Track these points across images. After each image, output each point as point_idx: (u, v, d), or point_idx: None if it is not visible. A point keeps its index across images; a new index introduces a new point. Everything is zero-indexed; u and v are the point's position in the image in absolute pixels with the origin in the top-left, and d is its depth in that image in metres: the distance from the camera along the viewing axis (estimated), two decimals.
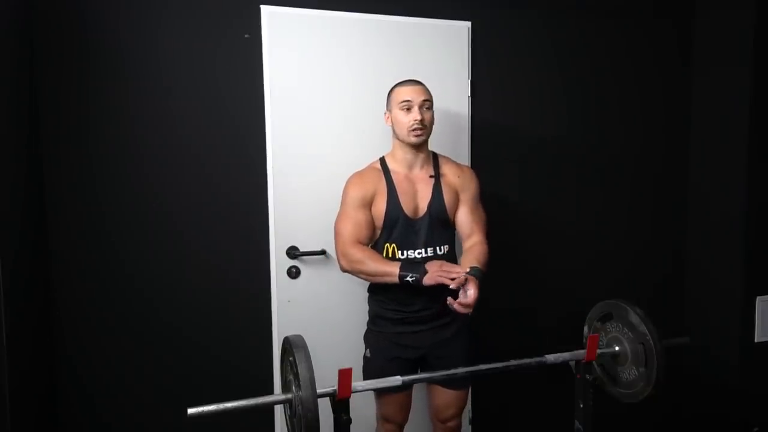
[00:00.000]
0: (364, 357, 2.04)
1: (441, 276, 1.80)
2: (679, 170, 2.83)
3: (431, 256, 1.95)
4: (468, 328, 2.07)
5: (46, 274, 2.07)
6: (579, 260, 2.72)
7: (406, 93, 1.94)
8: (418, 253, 1.95)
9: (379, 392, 2.00)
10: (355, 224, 1.94)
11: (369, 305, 2.08)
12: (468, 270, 1.85)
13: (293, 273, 2.29)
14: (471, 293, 1.80)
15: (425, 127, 1.94)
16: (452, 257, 2.04)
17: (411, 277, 1.83)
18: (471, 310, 1.83)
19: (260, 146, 2.23)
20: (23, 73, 1.95)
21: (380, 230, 1.97)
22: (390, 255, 1.95)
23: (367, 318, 2.10)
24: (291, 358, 1.51)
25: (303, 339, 1.54)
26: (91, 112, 2.08)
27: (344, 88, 2.28)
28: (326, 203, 2.26)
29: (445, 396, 2.07)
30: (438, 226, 1.98)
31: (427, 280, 1.82)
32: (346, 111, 2.30)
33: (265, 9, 2.19)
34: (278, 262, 2.27)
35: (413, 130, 1.92)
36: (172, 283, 2.20)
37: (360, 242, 1.94)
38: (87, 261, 2.12)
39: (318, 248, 2.29)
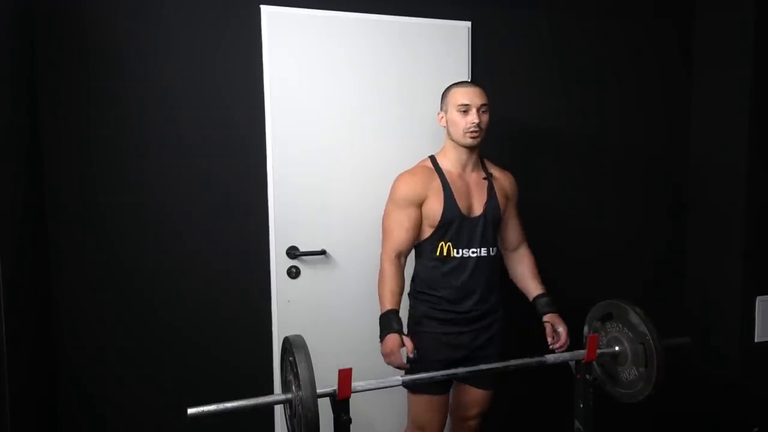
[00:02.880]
0: (409, 359, 1.94)
1: (386, 359, 1.85)
2: (679, 170, 2.83)
3: (485, 256, 1.99)
4: (502, 330, 2.09)
5: (46, 274, 2.07)
6: (579, 260, 2.72)
7: (465, 96, 1.95)
8: (473, 252, 1.97)
9: (418, 397, 1.99)
10: (401, 228, 1.95)
11: (413, 306, 2.05)
12: (540, 302, 2.08)
13: (293, 273, 2.29)
14: (562, 333, 2.03)
15: (482, 130, 1.96)
16: (498, 260, 2.10)
17: (380, 330, 1.87)
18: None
19: (260, 146, 2.23)
20: (23, 73, 1.95)
21: (434, 229, 1.97)
22: (445, 253, 1.96)
23: (409, 321, 2.05)
24: (291, 358, 1.51)
25: (303, 339, 1.54)
26: (91, 112, 2.08)
27: (344, 88, 2.28)
28: (326, 203, 2.27)
29: (472, 395, 2.08)
30: (491, 227, 2.02)
31: (382, 348, 1.86)
32: (346, 111, 2.30)
33: (265, 9, 2.19)
34: (278, 262, 2.27)
35: (469, 132, 1.94)
36: (172, 283, 2.20)
37: (402, 254, 1.97)
38: (87, 261, 2.11)
39: (318, 248, 2.29)
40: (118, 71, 2.09)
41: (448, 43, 2.39)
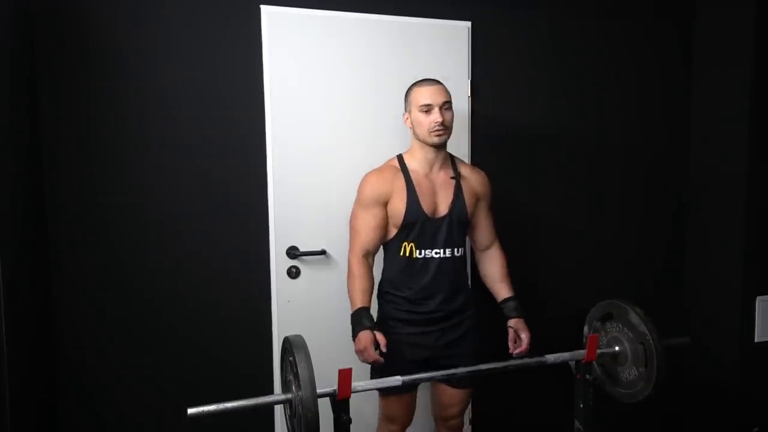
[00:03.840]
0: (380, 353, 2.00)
1: (360, 356, 1.86)
2: (680, 170, 2.83)
3: (449, 257, 1.97)
4: (475, 329, 2.08)
5: (46, 274, 2.07)
6: (579, 260, 2.72)
7: (426, 96, 1.93)
8: (436, 253, 1.96)
9: (385, 393, 2.00)
10: (368, 228, 1.96)
11: (380, 306, 2.06)
12: (507, 306, 2.07)
13: (293, 273, 2.29)
14: (524, 339, 2.02)
15: (446, 128, 1.94)
16: (465, 260, 2.09)
17: (352, 328, 1.88)
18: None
19: (260, 146, 2.23)
20: (23, 73, 1.95)
21: (398, 229, 1.96)
22: (408, 254, 1.96)
23: (377, 322, 2.04)
24: (291, 358, 1.51)
25: (303, 339, 1.54)
26: (91, 112, 2.08)
27: (344, 88, 2.28)
28: (326, 203, 2.27)
29: (450, 394, 2.07)
30: (457, 228, 1.99)
31: (355, 345, 1.86)
32: (346, 111, 2.30)
33: (265, 9, 2.19)
34: (278, 262, 2.27)
35: (434, 130, 1.92)
36: (172, 283, 2.20)
37: (370, 253, 1.97)
38: (87, 261, 2.11)
39: (318, 248, 2.29)
40: (118, 71, 2.09)
41: (448, 43, 2.39)
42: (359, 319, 1.87)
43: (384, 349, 1.84)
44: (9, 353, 1.68)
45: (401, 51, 2.33)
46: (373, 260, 2.01)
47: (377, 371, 1.93)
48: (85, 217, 2.10)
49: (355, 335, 1.86)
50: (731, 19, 2.58)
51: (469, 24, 2.42)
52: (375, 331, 1.85)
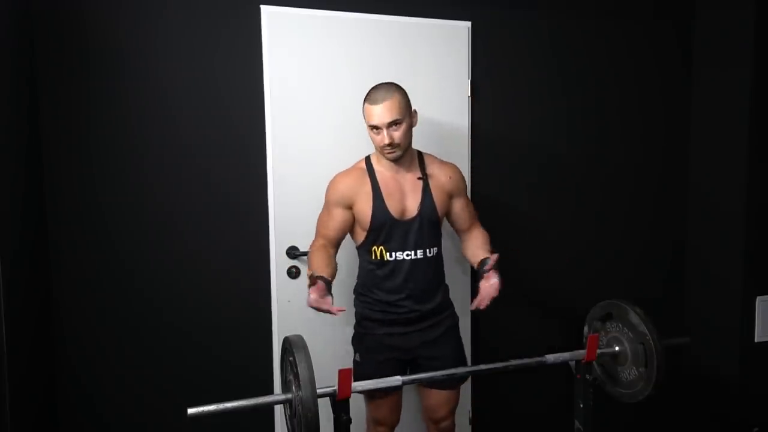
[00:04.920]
0: (354, 361, 2.01)
1: (314, 305, 1.72)
2: (680, 170, 2.83)
3: (421, 258, 1.94)
4: (455, 328, 2.07)
5: (46, 274, 2.07)
6: (579, 260, 2.72)
7: (372, 116, 1.86)
8: (407, 255, 1.94)
9: (371, 395, 1.99)
10: (327, 228, 1.95)
11: (355, 307, 2.06)
12: (482, 262, 1.91)
13: (293, 273, 2.29)
14: (495, 282, 1.84)
15: (398, 145, 1.87)
16: (440, 259, 2.05)
17: (309, 282, 1.78)
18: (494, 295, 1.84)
19: (260, 146, 2.23)
20: (23, 73, 1.95)
21: (366, 232, 1.94)
22: (379, 257, 1.94)
23: (355, 323, 2.06)
24: (291, 358, 1.51)
25: (303, 339, 1.54)
26: (91, 112, 2.08)
27: (344, 88, 2.28)
28: None
29: (437, 396, 2.06)
30: (428, 228, 1.96)
31: (308, 302, 1.73)
32: (346, 111, 2.29)
33: (265, 9, 2.19)
34: (278, 262, 2.27)
35: (385, 150, 1.89)
36: (172, 283, 2.20)
37: (329, 243, 1.94)
38: (87, 261, 2.12)
39: None
40: (118, 71, 2.09)
41: (448, 43, 2.39)
42: (318, 277, 1.76)
43: (337, 314, 1.73)
44: (9, 353, 1.68)
45: (401, 51, 2.33)
46: (335, 253, 1.96)
47: (359, 376, 1.84)
48: (85, 217, 2.10)
49: (309, 291, 1.74)
50: (731, 19, 2.58)
51: (469, 24, 2.42)
52: (330, 295, 1.75)
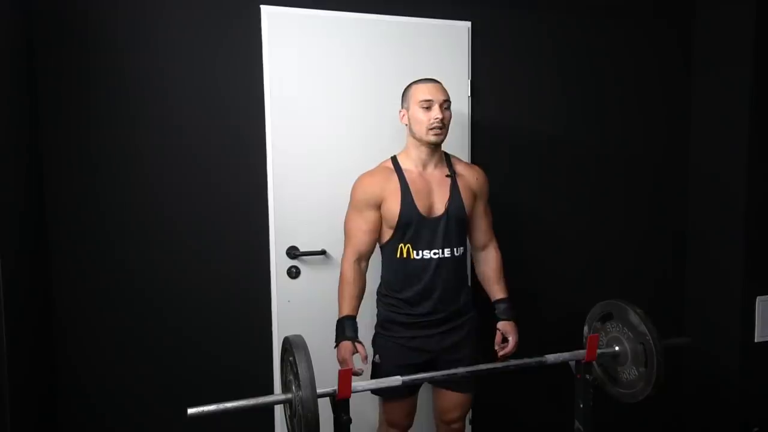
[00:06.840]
0: (373, 362, 2.00)
1: (342, 363, 1.85)
2: (679, 170, 2.83)
3: (448, 257, 1.94)
4: (477, 331, 2.07)
5: (46, 274, 2.07)
6: (579, 260, 2.72)
7: (427, 92, 1.91)
8: (434, 254, 1.93)
9: (386, 398, 2.00)
10: (360, 231, 1.95)
11: (378, 309, 2.06)
12: (498, 307, 2.07)
13: (293, 273, 2.29)
14: (511, 342, 2.03)
15: (445, 126, 1.92)
16: (466, 260, 2.07)
17: (335, 337, 1.90)
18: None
19: (260, 146, 2.23)
20: (23, 74, 1.95)
21: (393, 230, 1.93)
22: (405, 255, 1.93)
23: (375, 321, 2.07)
24: (291, 358, 1.51)
25: (303, 339, 1.54)
26: (91, 112, 2.08)
27: (344, 88, 2.28)
28: (326, 203, 2.27)
29: (451, 399, 2.06)
30: (455, 227, 1.96)
31: (336, 354, 1.89)
32: (346, 111, 2.30)
33: (265, 9, 2.19)
34: (278, 262, 2.27)
35: (433, 128, 1.90)
36: (172, 283, 2.20)
37: (362, 257, 1.96)
38: (87, 261, 2.12)
39: (318, 248, 2.29)
40: (118, 71, 2.09)
41: (448, 43, 2.39)
42: (342, 329, 1.88)
43: (364, 362, 1.85)
44: (9, 353, 1.68)
45: (401, 51, 2.33)
46: (367, 265, 1.99)
47: (378, 375, 1.93)
48: (85, 217, 2.10)
49: (337, 345, 1.88)
50: (731, 19, 2.58)
51: (469, 24, 2.42)
52: (356, 343, 1.86)
